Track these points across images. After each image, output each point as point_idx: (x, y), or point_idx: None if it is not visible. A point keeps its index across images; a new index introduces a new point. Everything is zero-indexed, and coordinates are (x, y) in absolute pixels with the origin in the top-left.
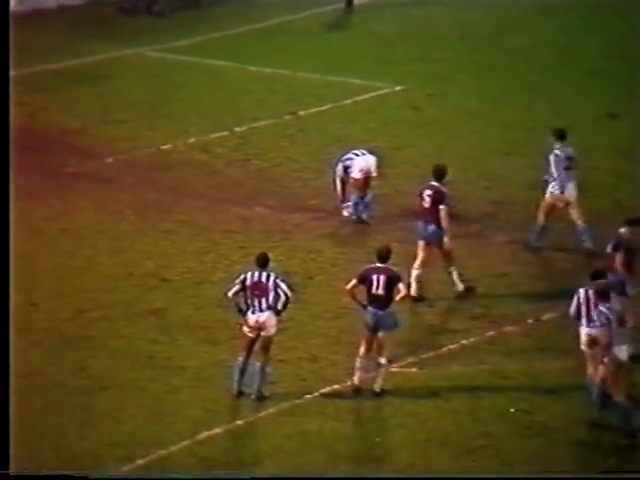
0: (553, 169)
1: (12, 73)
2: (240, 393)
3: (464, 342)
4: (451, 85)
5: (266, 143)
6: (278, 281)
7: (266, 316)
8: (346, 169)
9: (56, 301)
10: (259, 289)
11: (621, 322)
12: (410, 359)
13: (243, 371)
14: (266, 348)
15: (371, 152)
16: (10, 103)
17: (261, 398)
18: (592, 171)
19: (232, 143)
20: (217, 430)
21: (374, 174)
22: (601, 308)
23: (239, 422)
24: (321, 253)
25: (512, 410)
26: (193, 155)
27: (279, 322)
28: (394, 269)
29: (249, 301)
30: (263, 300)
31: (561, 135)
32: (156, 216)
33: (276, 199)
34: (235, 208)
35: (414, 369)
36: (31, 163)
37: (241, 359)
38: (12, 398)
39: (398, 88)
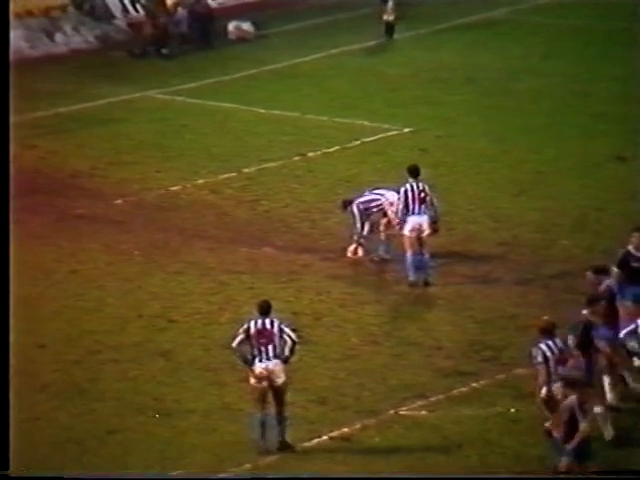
0: None
1: (24, 117)
2: (265, 449)
3: (474, 385)
4: (459, 127)
5: (274, 184)
6: (283, 326)
7: (274, 364)
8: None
9: (64, 343)
10: (265, 336)
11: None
12: (419, 402)
13: (264, 425)
14: (280, 398)
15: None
16: (10, 146)
17: (285, 446)
18: (600, 213)
19: (240, 184)
20: (224, 475)
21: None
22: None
23: (247, 466)
24: (329, 294)
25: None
26: (201, 196)
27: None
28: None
29: (255, 350)
30: (270, 347)
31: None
32: (164, 257)
33: (284, 240)
34: (243, 249)
35: (424, 412)
36: (41, 205)
37: (259, 414)
38: (14, 445)
39: (406, 130)
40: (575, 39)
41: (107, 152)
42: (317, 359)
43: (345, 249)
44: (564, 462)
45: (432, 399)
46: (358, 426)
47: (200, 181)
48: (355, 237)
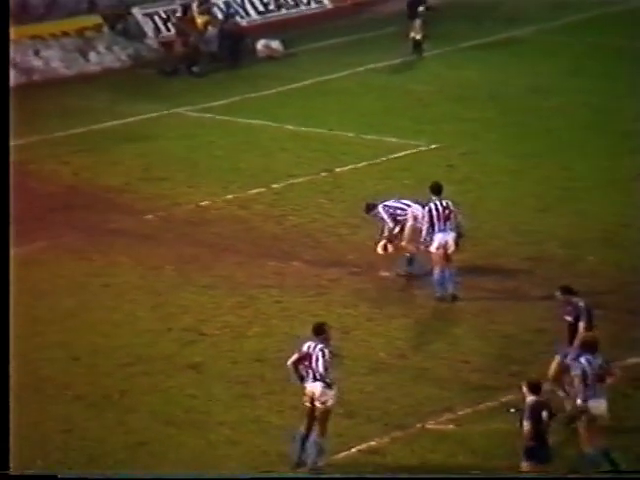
0: None
1: (58, 134)
2: (298, 464)
3: (502, 399)
4: (484, 144)
5: (302, 199)
6: (318, 349)
7: (315, 387)
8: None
9: (97, 355)
10: (307, 359)
11: (600, 378)
12: (447, 416)
13: (304, 441)
14: (321, 420)
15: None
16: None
17: (315, 469)
18: (626, 229)
19: (269, 199)
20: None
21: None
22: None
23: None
24: (357, 308)
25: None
26: (231, 211)
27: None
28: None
29: (303, 372)
30: (310, 371)
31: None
32: (194, 271)
33: (312, 254)
34: (272, 263)
35: (451, 426)
36: (75, 220)
37: (302, 429)
38: (54, 454)
39: (433, 146)
40: (600, 57)
41: (138, 168)
42: (345, 372)
43: (372, 263)
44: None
45: (459, 413)
46: (386, 439)
47: (229, 196)
48: (386, 233)
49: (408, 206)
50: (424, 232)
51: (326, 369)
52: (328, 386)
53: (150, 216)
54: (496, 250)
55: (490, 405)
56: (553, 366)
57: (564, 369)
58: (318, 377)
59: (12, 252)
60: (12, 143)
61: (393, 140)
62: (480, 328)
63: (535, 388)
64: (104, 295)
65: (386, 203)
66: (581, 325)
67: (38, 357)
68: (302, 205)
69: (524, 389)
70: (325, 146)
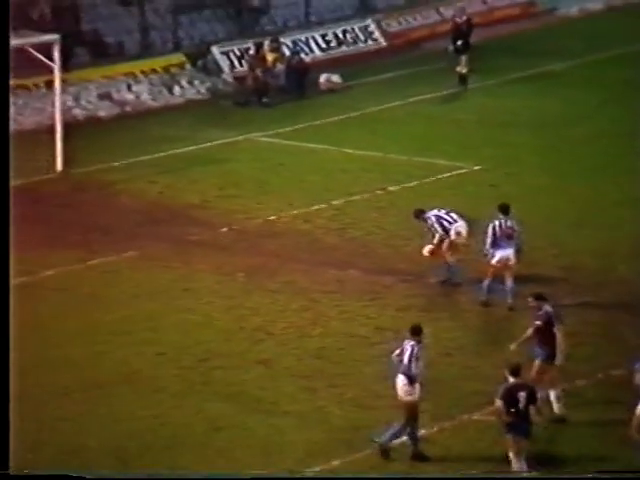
0: None
1: (146, 157)
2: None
3: (540, 394)
4: (523, 166)
5: (360, 214)
6: (409, 346)
7: (399, 380)
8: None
9: (180, 351)
10: (401, 354)
11: None
12: (490, 408)
13: (401, 433)
14: (404, 412)
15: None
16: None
17: (384, 452)
18: None
19: (329, 214)
20: (316, 468)
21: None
22: None
23: (335, 462)
24: (408, 311)
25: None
26: (296, 225)
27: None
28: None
29: (397, 366)
30: (400, 365)
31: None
32: (263, 278)
33: (368, 263)
34: (332, 271)
35: (493, 417)
36: (160, 232)
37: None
38: (138, 440)
39: (476, 168)
40: (624, 90)
41: (215, 187)
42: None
43: (422, 272)
44: None
45: None
46: (435, 429)
47: (294, 212)
48: (436, 240)
49: (455, 221)
50: (487, 245)
51: (410, 363)
52: (411, 381)
53: (225, 229)
54: (535, 261)
55: None
56: (534, 369)
57: (632, 376)
58: (403, 370)
59: (105, 260)
60: (100, 166)
61: (440, 162)
62: (521, 330)
63: (515, 371)
64: (185, 298)
65: (437, 213)
66: (556, 328)
67: (128, 352)
68: (359, 219)
69: (505, 372)
70: (380, 167)
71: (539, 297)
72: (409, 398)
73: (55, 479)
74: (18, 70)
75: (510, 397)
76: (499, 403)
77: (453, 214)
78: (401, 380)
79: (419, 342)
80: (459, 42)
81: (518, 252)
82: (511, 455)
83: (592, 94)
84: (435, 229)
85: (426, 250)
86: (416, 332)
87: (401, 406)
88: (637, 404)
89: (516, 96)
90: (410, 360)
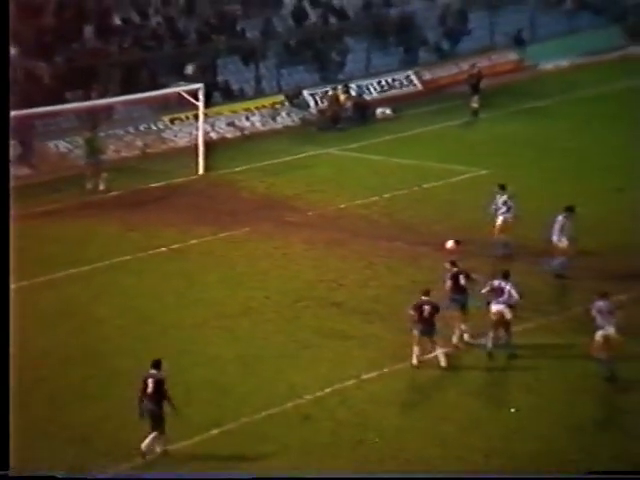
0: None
1: (257, 164)
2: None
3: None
4: (522, 170)
5: (403, 204)
6: (509, 286)
7: (500, 307)
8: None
9: (280, 295)
10: (499, 291)
11: None
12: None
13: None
14: (506, 326)
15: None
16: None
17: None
18: None
19: (382, 204)
20: (373, 374)
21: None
22: None
23: (385, 370)
24: (436, 271)
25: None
26: (359, 211)
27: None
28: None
29: (491, 298)
30: (501, 298)
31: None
32: (336, 246)
33: (409, 237)
34: (384, 242)
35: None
36: (267, 215)
37: (491, 334)
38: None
39: (484, 172)
40: (589, 118)
41: (304, 185)
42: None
43: (444, 243)
44: None
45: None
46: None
47: (358, 202)
48: (499, 222)
49: (499, 209)
50: (555, 234)
51: (511, 297)
52: (510, 307)
53: (310, 213)
54: (543, 249)
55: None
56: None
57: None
58: (504, 301)
59: (230, 234)
60: (227, 170)
61: (460, 168)
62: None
63: (425, 293)
64: (283, 260)
65: (498, 201)
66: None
67: (247, 295)
68: (403, 207)
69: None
70: (417, 171)
71: (505, 275)
72: (509, 317)
73: (55, 479)
74: (176, 107)
75: (419, 309)
76: (411, 312)
77: (501, 204)
78: (503, 308)
79: (508, 283)
80: (473, 86)
81: (571, 240)
82: (415, 348)
83: (565, 122)
84: (503, 212)
85: (497, 229)
86: (506, 276)
87: (503, 322)
88: (595, 332)
89: (513, 123)
90: (512, 296)
